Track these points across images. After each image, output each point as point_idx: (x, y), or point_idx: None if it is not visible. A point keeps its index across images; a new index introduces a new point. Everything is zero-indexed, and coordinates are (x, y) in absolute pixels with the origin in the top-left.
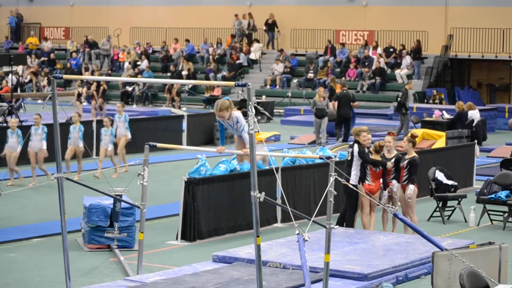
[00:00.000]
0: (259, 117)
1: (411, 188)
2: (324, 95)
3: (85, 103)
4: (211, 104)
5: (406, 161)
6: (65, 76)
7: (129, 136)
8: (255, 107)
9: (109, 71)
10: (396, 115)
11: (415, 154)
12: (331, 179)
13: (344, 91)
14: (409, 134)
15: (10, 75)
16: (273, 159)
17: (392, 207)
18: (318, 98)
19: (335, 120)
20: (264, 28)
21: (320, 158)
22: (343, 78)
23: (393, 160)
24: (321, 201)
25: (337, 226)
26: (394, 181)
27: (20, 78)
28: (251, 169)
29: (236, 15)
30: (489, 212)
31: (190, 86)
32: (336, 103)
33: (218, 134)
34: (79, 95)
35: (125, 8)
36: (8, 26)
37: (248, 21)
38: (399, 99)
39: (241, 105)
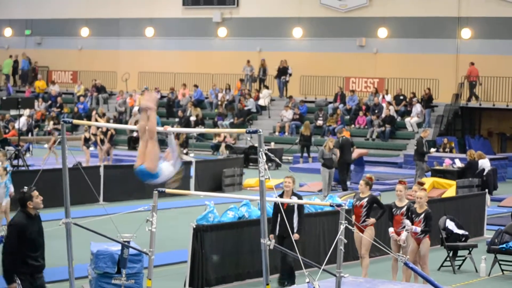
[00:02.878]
0: (269, 164)
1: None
2: (333, 145)
3: (92, 148)
4: (219, 150)
5: (422, 215)
6: (75, 121)
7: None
8: (265, 154)
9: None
10: (411, 162)
11: (427, 208)
12: (342, 227)
13: (344, 137)
14: (416, 182)
15: (18, 119)
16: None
17: (403, 256)
18: (327, 148)
19: (338, 166)
20: (275, 74)
21: (331, 205)
22: (345, 127)
23: (404, 209)
24: (331, 249)
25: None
26: (405, 233)
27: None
28: (261, 216)
29: (248, 61)
30: (500, 262)
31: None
32: (338, 150)
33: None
34: (87, 140)
35: (134, 53)
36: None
37: (260, 67)
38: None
39: (250, 151)
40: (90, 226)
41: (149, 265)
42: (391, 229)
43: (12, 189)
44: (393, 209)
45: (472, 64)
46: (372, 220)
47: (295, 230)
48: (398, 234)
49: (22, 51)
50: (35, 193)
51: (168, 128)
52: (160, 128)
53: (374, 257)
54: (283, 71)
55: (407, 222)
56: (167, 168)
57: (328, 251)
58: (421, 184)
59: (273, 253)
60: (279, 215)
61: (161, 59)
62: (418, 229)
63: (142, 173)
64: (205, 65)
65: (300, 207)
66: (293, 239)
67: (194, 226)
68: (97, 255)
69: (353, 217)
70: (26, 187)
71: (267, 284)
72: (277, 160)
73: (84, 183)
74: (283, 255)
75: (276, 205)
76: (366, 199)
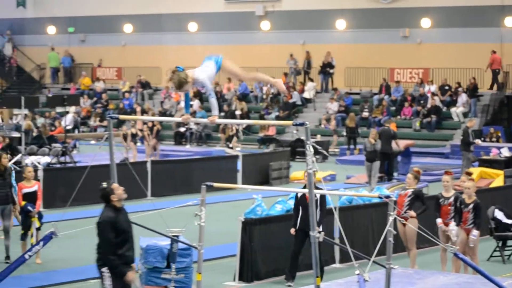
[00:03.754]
0: (316, 156)
1: (475, 234)
2: (376, 137)
3: (138, 144)
4: (266, 143)
5: (471, 206)
6: (121, 117)
7: None
8: (312, 146)
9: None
10: (457, 153)
11: (476, 198)
12: (391, 219)
13: (385, 127)
14: (464, 172)
15: (64, 116)
16: (329, 199)
17: (453, 247)
18: (370, 140)
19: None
20: (319, 70)
21: (379, 197)
22: (390, 118)
23: (451, 199)
24: (380, 241)
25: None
26: (453, 223)
27: (77, 118)
28: (310, 209)
29: (291, 55)
30: None
31: (244, 125)
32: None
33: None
34: (134, 135)
35: (178, 48)
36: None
37: (304, 60)
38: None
39: (297, 144)
40: (139, 221)
41: (199, 259)
42: (438, 220)
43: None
44: (440, 200)
45: (494, 52)
46: (412, 213)
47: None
48: (446, 224)
49: (66, 48)
50: (115, 185)
51: (216, 119)
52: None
53: (424, 248)
54: (327, 66)
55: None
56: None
57: (377, 242)
58: (469, 174)
59: (322, 246)
60: (300, 209)
61: (205, 54)
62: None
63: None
64: (249, 58)
65: (322, 201)
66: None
67: (243, 220)
68: (147, 250)
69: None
70: (103, 183)
71: (317, 277)
72: (325, 152)
73: (132, 178)
74: (294, 251)
75: (297, 199)
76: (411, 190)
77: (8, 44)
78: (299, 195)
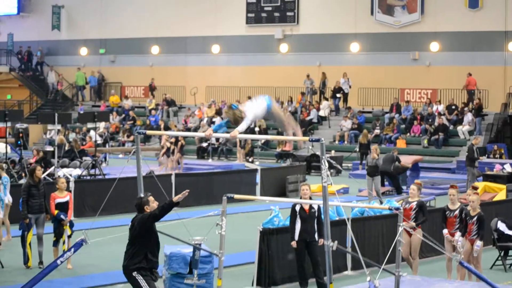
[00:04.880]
0: (331, 170)
1: (479, 244)
2: (377, 153)
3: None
4: (283, 158)
5: (475, 218)
6: (148, 132)
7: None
8: (327, 161)
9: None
10: (463, 168)
11: (480, 211)
12: (400, 229)
13: (390, 153)
14: (470, 186)
15: (93, 131)
16: (342, 211)
17: (458, 255)
18: (373, 155)
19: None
20: (331, 93)
21: (389, 209)
22: (395, 147)
23: (457, 211)
24: (390, 249)
25: (406, 274)
26: (458, 234)
27: (106, 134)
28: (324, 219)
29: (308, 75)
30: None
31: (263, 141)
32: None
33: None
34: (168, 149)
35: (201, 68)
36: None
37: (320, 80)
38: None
39: (312, 159)
40: (163, 230)
41: (219, 266)
42: (445, 231)
43: (7, 200)
44: (447, 212)
45: (470, 74)
46: (411, 224)
47: (315, 235)
48: (452, 235)
49: (97, 68)
50: (151, 198)
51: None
52: (226, 135)
53: (430, 257)
54: (337, 91)
55: (460, 243)
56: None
57: (387, 251)
58: (475, 188)
59: (334, 254)
60: (297, 221)
61: (227, 74)
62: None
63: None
64: (268, 79)
65: (320, 214)
66: (324, 243)
67: (261, 230)
68: (171, 257)
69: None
70: (142, 194)
71: (331, 283)
72: (339, 166)
73: (157, 190)
74: (299, 262)
75: (294, 211)
76: (415, 203)
77: (51, 73)
78: (297, 207)
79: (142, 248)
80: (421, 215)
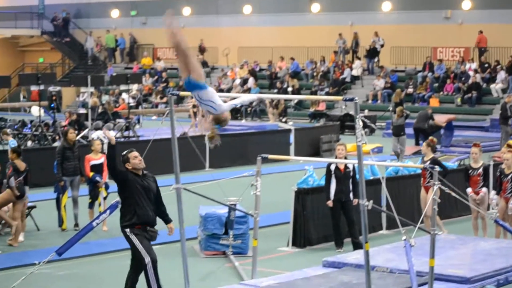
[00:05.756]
0: (365, 130)
1: None
2: (401, 114)
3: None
4: (316, 118)
5: (510, 176)
6: (182, 93)
7: None
8: (362, 120)
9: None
10: (497, 126)
11: None
12: (435, 188)
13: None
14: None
15: (126, 93)
16: (377, 170)
17: (493, 213)
18: (396, 116)
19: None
20: (365, 53)
21: (425, 168)
22: (428, 105)
23: (480, 170)
24: (425, 208)
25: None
26: (493, 192)
27: (139, 95)
28: (359, 178)
29: (340, 34)
30: None
31: (296, 101)
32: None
33: None
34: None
35: (234, 29)
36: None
37: (352, 40)
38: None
39: (345, 119)
40: (198, 191)
41: (255, 226)
42: (469, 190)
43: None
44: (470, 171)
45: (481, 32)
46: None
47: (350, 194)
48: (477, 193)
49: (128, 30)
50: (132, 154)
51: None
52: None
53: (463, 215)
54: (371, 51)
55: (494, 201)
56: (219, 99)
57: (422, 210)
58: (510, 146)
59: (369, 213)
60: (332, 181)
61: (259, 35)
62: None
63: (189, 84)
64: (301, 39)
65: (354, 173)
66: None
67: (296, 190)
68: (206, 217)
69: (422, 179)
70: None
71: (366, 242)
72: (373, 125)
73: (192, 151)
74: (335, 221)
75: (329, 171)
76: (429, 161)
77: (90, 38)
78: (332, 167)
79: (129, 205)
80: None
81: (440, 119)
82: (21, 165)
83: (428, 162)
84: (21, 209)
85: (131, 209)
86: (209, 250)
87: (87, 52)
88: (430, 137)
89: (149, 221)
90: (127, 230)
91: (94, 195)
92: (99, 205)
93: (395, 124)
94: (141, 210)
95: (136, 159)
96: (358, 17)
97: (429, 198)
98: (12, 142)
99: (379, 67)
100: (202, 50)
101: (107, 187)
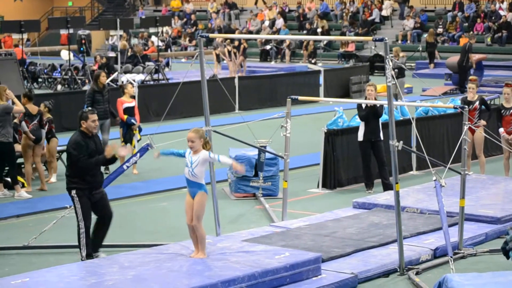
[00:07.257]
0: (395, 70)
1: None
2: (399, 54)
3: (224, 61)
4: (346, 59)
5: None
6: (211, 35)
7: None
8: (391, 61)
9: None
10: None
11: None
12: (465, 128)
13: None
14: None
15: (155, 36)
16: (406, 110)
17: None
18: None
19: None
20: None
21: (454, 108)
22: (471, 32)
23: None
24: (455, 149)
25: (472, 172)
26: None
27: (168, 38)
28: (389, 119)
29: None
30: None
31: (325, 42)
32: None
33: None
34: (229, 52)
35: None
36: None
37: None
38: None
39: (375, 59)
40: (228, 133)
41: (285, 168)
42: (501, 130)
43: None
44: (502, 111)
45: None
46: (483, 122)
47: (380, 134)
48: (509, 133)
49: None
50: (92, 116)
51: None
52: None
53: (494, 155)
54: None
55: None
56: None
57: (452, 151)
58: None
59: (400, 154)
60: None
61: None
62: None
63: None
64: None
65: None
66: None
67: (325, 131)
68: (236, 159)
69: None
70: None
71: (397, 183)
72: (403, 66)
73: (221, 93)
74: (365, 162)
75: (362, 110)
76: (477, 102)
77: None
78: (363, 107)
79: (78, 171)
80: (486, 110)
81: (470, 59)
82: (33, 109)
83: (477, 103)
84: (41, 152)
85: (79, 174)
86: (239, 192)
87: None
88: (472, 77)
89: (96, 185)
90: (73, 191)
91: (129, 138)
92: (134, 147)
93: (394, 66)
94: (90, 176)
95: (93, 123)
96: None
97: (476, 138)
98: None
99: (408, 7)
100: None
101: (140, 130)
